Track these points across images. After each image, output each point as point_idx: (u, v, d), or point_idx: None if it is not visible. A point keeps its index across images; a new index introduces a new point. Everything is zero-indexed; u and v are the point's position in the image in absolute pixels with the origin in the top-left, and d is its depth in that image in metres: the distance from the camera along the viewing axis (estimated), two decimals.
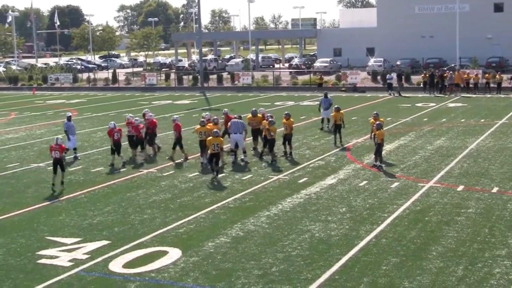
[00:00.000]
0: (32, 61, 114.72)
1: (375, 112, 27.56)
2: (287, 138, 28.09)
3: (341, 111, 31.18)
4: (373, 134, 25.94)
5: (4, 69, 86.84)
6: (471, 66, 67.85)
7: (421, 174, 24.26)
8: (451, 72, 57.83)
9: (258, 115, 29.29)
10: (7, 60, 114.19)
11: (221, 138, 24.95)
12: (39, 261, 15.80)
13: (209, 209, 20.01)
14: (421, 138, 32.08)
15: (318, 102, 37.09)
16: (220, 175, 24.41)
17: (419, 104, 46.80)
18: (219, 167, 24.90)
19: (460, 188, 21.97)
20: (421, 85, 56.20)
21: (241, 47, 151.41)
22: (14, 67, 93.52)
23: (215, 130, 24.87)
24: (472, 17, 79.41)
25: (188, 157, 27.93)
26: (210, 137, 24.40)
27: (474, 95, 52.79)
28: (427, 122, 37.41)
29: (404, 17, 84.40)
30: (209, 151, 24.55)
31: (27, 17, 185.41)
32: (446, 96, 52.50)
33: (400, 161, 26.58)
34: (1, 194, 22.90)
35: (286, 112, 29.39)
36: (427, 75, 55.81)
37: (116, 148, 26.87)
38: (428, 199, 20.63)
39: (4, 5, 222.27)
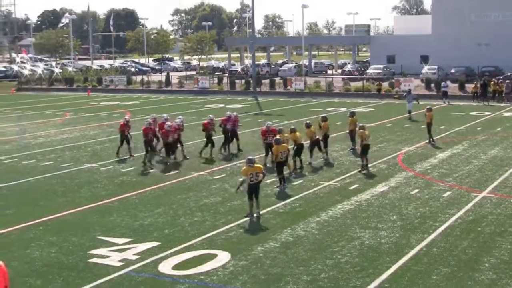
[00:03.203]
0: (87, 63, 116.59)
1: (360, 124, 27.47)
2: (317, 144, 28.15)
3: (431, 112, 32.88)
4: (361, 140, 25.97)
5: (61, 71, 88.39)
6: None
7: (474, 183, 23.89)
8: (508, 81, 56.91)
9: (312, 127, 28.78)
10: (63, 61, 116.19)
11: (287, 145, 24.17)
12: (90, 260, 16.01)
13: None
14: (475, 147, 31.60)
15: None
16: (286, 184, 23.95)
17: (473, 113, 46.12)
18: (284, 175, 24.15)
19: None
20: (475, 94, 55.19)
21: (294, 53, 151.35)
22: (70, 69, 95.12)
23: (277, 137, 24.23)
24: None
25: None
26: (276, 145, 23.38)
27: None
28: (481, 131, 36.83)
29: (459, 24, 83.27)
30: (275, 160, 23.69)
31: (84, 20, 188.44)
32: (502, 104, 51.61)
33: (453, 170, 26.22)
34: (55, 193, 23.29)
35: (323, 115, 29.97)
36: (478, 85, 54.93)
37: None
38: (481, 209, 20.30)
39: (62, 7, 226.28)
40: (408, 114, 42.93)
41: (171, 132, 28.13)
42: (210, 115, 31.52)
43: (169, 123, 28.77)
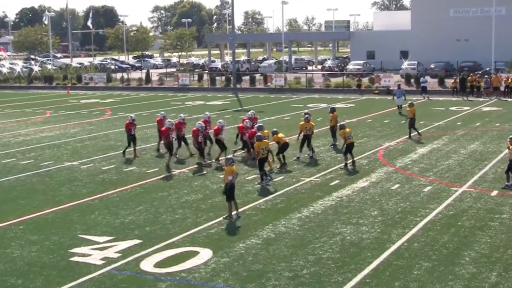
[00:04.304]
0: (67, 60, 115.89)
1: (340, 123, 27.55)
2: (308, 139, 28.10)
3: (413, 107, 32.74)
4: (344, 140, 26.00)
5: (40, 68, 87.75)
6: (506, 70, 67.06)
7: (454, 178, 24.03)
8: (486, 76, 57.30)
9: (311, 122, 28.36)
10: (42, 59, 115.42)
11: (268, 141, 24.05)
12: (72, 259, 15.94)
13: (240, 210, 19.95)
14: (454, 142, 31.79)
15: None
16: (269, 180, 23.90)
17: (453, 108, 46.39)
18: (267, 171, 24.17)
19: (494, 193, 21.72)
20: (455, 89, 55.48)
21: (274, 49, 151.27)
22: (49, 67, 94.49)
23: (259, 134, 24.08)
24: (508, 20, 78.40)
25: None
26: (257, 142, 23.31)
27: (510, 99, 52.10)
28: (461, 126, 37.06)
29: (438, 20, 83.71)
30: (257, 156, 23.54)
31: (63, 18, 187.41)
32: (481, 99, 51.96)
33: (433, 165, 26.36)
34: (35, 191, 23.16)
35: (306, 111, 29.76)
36: (457, 80, 55.33)
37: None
38: (461, 204, 20.42)
39: (41, 5, 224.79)
40: (398, 109, 44.11)
41: (201, 133, 26.73)
42: (246, 120, 28.53)
43: (201, 122, 27.31)
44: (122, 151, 29.59)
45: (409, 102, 34.32)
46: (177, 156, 28.53)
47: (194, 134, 26.74)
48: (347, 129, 26.15)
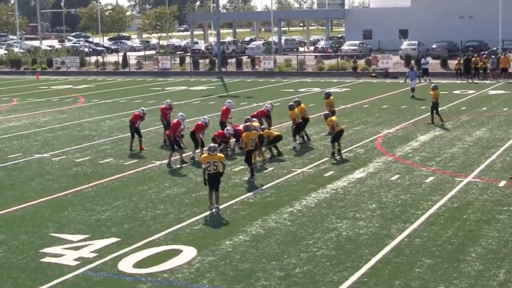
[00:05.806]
0: (36, 43, 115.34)
1: (325, 112, 28.15)
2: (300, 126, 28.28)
3: (437, 90, 33.15)
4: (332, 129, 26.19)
5: (6, 52, 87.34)
6: None
7: (458, 168, 24.10)
8: (493, 56, 57.37)
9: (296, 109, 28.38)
10: (8, 42, 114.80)
11: (256, 132, 23.95)
12: (43, 260, 15.87)
13: (227, 204, 20.00)
14: (459, 128, 31.88)
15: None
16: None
17: (457, 91, 46.52)
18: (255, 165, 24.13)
19: (502, 183, 21.80)
20: (459, 71, 55.62)
21: (263, 29, 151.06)
22: (16, 50, 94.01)
23: (248, 124, 23.89)
24: None
25: None
26: (246, 132, 23.12)
27: None
28: (466, 111, 37.16)
29: None
30: (245, 148, 23.27)
31: None
32: (487, 82, 52.13)
33: (436, 154, 26.43)
34: (2, 187, 23.06)
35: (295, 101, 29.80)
36: (461, 62, 55.41)
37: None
38: (467, 196, 20.49)
39: None
40: (411, 92, 44.19)
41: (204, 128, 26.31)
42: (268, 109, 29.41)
43: (205, 117, 26.50)
44: (129, 148, 28.41)
45: (433, 85, 34.55)
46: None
47: (197, 128, 26.17)
48: (333, 117, 26.38)
